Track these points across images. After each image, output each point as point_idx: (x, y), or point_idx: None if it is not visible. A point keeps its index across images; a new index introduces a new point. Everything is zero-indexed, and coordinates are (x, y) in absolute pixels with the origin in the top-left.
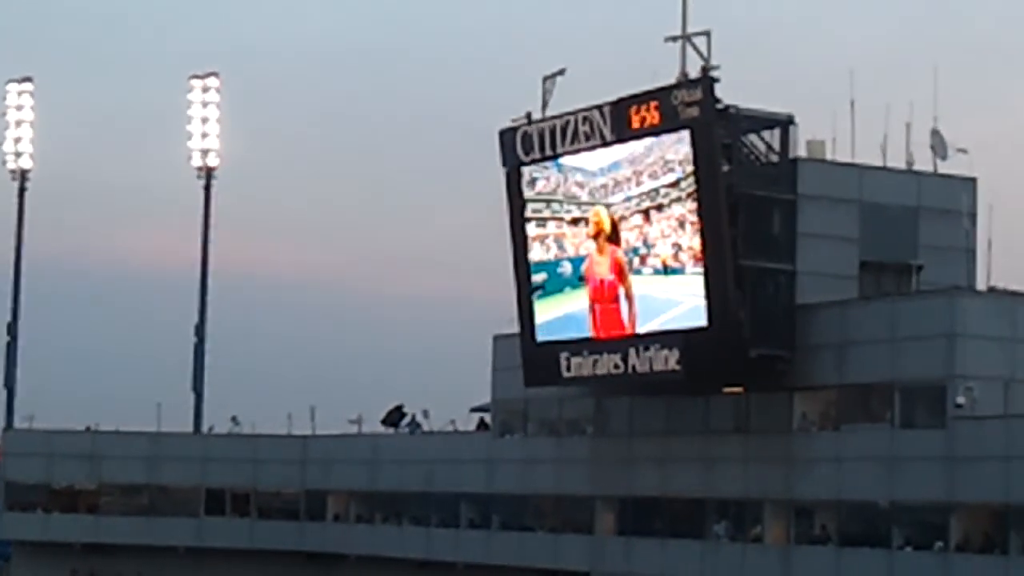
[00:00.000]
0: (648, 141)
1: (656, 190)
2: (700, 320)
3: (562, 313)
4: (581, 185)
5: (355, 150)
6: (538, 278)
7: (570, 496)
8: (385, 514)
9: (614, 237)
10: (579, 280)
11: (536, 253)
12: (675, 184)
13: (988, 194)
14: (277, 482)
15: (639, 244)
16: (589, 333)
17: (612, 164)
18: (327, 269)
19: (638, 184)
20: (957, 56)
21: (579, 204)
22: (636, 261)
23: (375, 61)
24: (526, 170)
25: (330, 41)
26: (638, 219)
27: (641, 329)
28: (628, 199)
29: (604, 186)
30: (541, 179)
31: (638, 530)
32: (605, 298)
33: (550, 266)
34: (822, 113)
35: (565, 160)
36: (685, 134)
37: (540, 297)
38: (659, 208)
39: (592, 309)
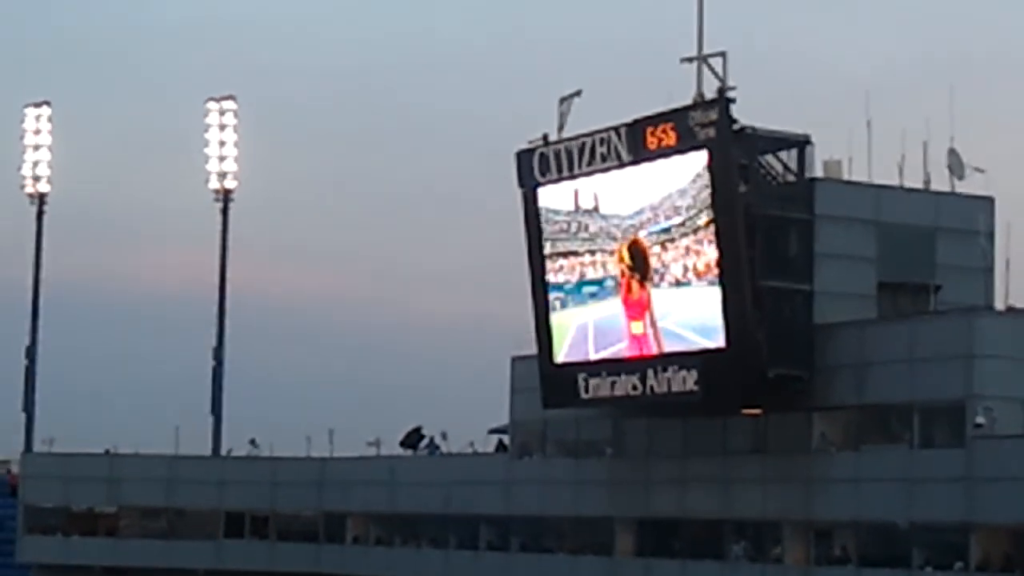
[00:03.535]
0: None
1: (668, 229)
2: (718, 340)
3: (583, 321)
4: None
5: (372, 172)
6: (556, 296)
7: (588, 517)
8: (404, 536)
9: (640, 267)
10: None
11: (562, 276)
12: (682, 224)
13: (1005, 213)
14: (296, 504)
15: (658, 266)
16: (622, 344)
17: (637, 211)
18: (345, 291)
19: (654, 222)
20: (973, 75)
21: (612, 238)
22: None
23: (391, 83)
24: (565, 219)
25: (346, 63)
26: (656, 248)
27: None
28: (650, 233)
29: (632, 226)
30: (585, 225)
31: (657, 551)
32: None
33: (571, 288)
34: (839, 133)
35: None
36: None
37: (560, 308)
38: (671, 241)
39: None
